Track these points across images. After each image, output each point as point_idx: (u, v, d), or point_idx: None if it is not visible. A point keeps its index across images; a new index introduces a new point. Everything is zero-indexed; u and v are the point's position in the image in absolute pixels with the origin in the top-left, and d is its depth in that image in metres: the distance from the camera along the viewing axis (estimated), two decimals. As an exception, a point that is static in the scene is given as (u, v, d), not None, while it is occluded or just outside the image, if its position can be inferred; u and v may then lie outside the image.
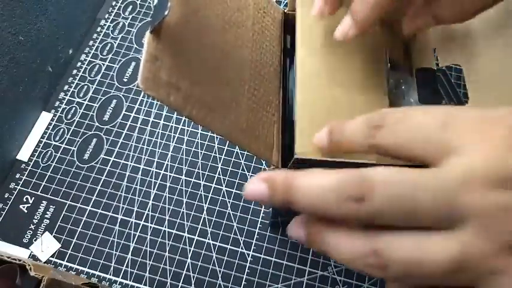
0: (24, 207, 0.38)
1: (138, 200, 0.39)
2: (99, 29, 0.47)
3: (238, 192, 0.39)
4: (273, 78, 0.27)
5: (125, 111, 0.43)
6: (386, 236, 0.16)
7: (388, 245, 0.16)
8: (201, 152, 0.41)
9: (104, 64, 0.45)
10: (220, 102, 0.21)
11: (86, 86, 0.44)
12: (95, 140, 0.41)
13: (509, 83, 0.24)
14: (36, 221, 0.38)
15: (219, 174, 0.40)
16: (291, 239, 0.20)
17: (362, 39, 0.28)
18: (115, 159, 0.40)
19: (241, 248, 0.37)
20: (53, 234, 0.37)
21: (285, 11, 0.30)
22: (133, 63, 0.45)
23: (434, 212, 0.15)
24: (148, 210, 0.38)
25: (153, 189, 0.39)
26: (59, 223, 0.38)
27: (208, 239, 0.37)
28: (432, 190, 0.15)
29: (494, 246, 0.15)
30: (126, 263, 0.36)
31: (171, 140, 0.41)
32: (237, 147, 0.41)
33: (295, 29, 0.28)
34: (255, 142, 0.23)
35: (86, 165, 0.40)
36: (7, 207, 0.38)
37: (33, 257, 0.36)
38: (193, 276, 0.36)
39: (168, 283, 0.36)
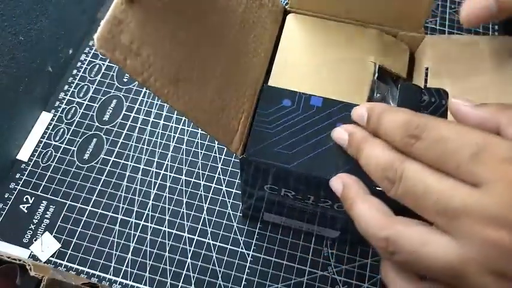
0: (24, 207, 0.38)
1: (138, 200, 0.39)
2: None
3: (238, 192, 0.39)
4: (254, 68, 0.27)
5: (125, 111, 0.43)
6: (401, 225, 0.19)
7: (399, 236, 0.19)
8: (201, 152, 0.41)
9: (104, 64, 0.45)
10: (185, 78, 0.21)
11: (86, 86, 0.44)
12: (95, 140, 0.41)
13: None
14: (36, 221, 0.38)
15: (219, 174, 0.40)
16: (331, 187, 0.24)
17: (349, 49, 0.28)
18: (115, 159, 0.40)
19: (241, 248, 0.37)
20: (53, 234, 0.37)
21: (286, 7, 0.30)
22: (133, 63, 0.45)
23: (436, 216, 0.18)
24: (149, 210, 0.38)
25: (153, 189, 0.39)
26: (59, 223, 0.38)
27: (208, 239, 0.37)
28: (438, 200, 0.18)
29: (488, 271, 0.17)
30: (126, 263, 0.36)
31: (171, 140, 0.41)
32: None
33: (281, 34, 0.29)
34: (215, 125, 0.23)
35: (86, 165, 0.40)
36: (7, 207, 0.38)
37: (33, 257, 0.36)
38: (193, 276, 0.36)
39: (168, 283, 0.36)
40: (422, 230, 0.18)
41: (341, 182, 0.23)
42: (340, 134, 0.24)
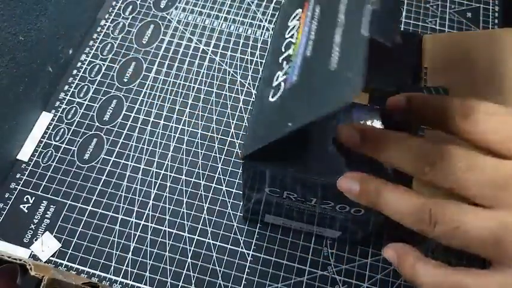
0: (24, 207, 0.38)
1: (138, 199, 0.39)
2: (99, 29, 0.47)
3: (238, 192, 0.39)
4: None
5: (125, 111, 0.43)
6: (441, 199, 0.20)
7: (442, 207, 0.20)
8: (201, 152, 0.41)
9: (104, 64, 0.45)
10: None
11: (86, 86, 0.44)
12: (95, 140, 0.41)
13: None
14: (37, 220, 0.38)
15: (219, 174, 0.40)
16: (340, 189, 0.23)
17: None
18: (115, 159, 0.40)
19: (241, 248, 0.37)
20: (54, 234, 0.37)
21: None
22: (133, 63, 0.45)
23: (481, 189, 0.20)
24: (149, 210, 0.38)
25: (154, 189, 0.39)
26: (59, 223, 0.38)
27: (208, 239, 0.37)
28: (484, 174, 0.19)
29: None
30: (126, 263, 0.36)
31: (171, 140, 0.41)
32: (237, 146, 0.41)
33: None
34: None
35: (86, 165, 0.40)
36: (7, 207, 0.38)
37: (33, 256, 0.36)
38: (194, 276, 0.36)
39: (168, 283, 0.36)
40: (461, 204, 0.20)
41: (354, 180, 0.23)
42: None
